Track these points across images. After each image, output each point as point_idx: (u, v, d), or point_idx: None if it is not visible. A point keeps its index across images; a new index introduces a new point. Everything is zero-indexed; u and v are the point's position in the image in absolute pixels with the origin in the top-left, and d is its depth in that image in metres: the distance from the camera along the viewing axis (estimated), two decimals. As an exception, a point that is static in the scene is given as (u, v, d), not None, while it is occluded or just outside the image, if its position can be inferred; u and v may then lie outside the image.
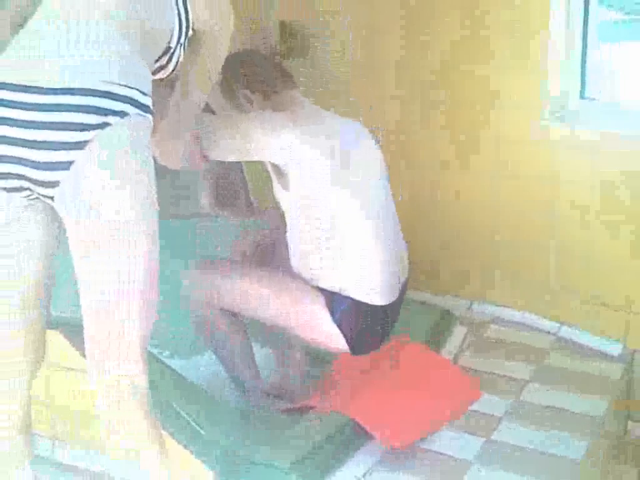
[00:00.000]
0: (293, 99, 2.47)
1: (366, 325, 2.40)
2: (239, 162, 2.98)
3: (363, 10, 3.26)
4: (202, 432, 2.24)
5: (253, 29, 3.40)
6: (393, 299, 2.42)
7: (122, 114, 1.70)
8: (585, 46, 2.90)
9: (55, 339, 2.36)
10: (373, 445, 2.30)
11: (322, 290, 2.37)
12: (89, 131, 1.67)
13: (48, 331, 2.35)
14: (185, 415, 2.27)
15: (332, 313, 2.36)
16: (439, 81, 3.15)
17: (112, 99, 1.69)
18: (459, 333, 2.94)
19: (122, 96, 1.70)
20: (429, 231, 3.12)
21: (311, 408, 2.41)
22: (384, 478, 2.21)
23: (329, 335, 2.38)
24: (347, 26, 3.29)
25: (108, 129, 1.68)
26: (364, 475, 2.21)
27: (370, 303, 2.37)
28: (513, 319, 3.10)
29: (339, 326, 2.36)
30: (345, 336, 2.37)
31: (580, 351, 2.88)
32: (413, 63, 3.18)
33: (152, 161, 1.81)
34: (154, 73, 2.00)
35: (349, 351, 2.40)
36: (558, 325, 3.01)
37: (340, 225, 2.33)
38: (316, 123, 2.37)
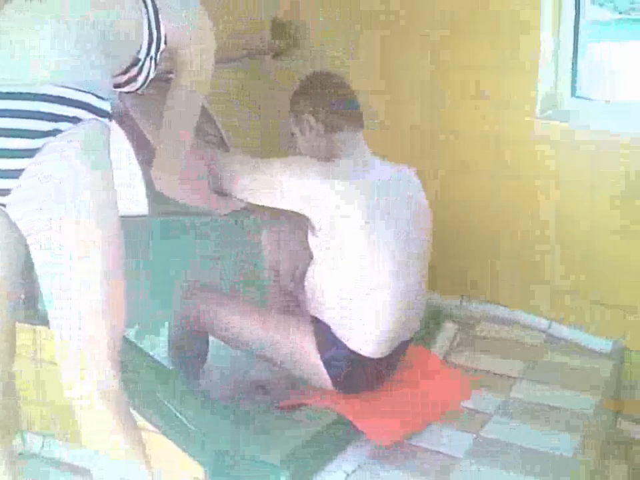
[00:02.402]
0: (351, 142, 2.42)
1: (354, 372, 2.41)
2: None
3: (359, 9, 3.28)
4: (193, 429, 2.25)
5: (252, 29, 3.42)
6: (386, 353, 2.42)
7: (75, 120, 1.66)
8: (576, 45, 2.90)
9: (45, 335, 2.38)
10: (363, 441, 2.31)
11: (316, 329, 2.40)
12: (39, 138, 1.63)
13: (43, 328, 2.37)
14: (176, 412, 2.28)
15: (321, 353, 2.38)
16: (438, 81, 3.16)
17: (64, 104, 1.65)
18: (449, 330, 2.95)
19: (75, 100, 1.66)
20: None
21: (303, 404, 2.42)
22: (373, 474, 2.22)
23: (315, 371, 2.41)
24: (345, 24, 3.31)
25: (60, 135, 1.65)
26: (354, 471, 2.22)
27: (361, 353, 2.38)
28: (503, 316, 3.12)
29: (326, 366, 2.39)
30: (330, 377, 2.40)
31: (570, 348, 2.89)
32: (412, 63, 3.20)
33: (110, 164, 1.77)
34: (124, 85, 1.98)
35: (332, 389, 2.43)
36: (548, 322, 3.02)
37: (363, 276, 2.33)
38: (357, 178, 2.33)
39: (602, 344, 2.87)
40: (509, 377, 2.69)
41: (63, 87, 1.66)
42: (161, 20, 1.95)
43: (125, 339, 2.47)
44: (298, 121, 2.46)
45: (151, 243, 3.07)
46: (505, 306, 3.14)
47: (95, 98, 1.71)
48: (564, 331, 2.97)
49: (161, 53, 2.00)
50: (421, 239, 2.48)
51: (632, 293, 2.83)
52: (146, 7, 1.92)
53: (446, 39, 3.10)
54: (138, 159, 2.87)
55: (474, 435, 2.37)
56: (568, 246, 2.96)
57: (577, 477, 2.38)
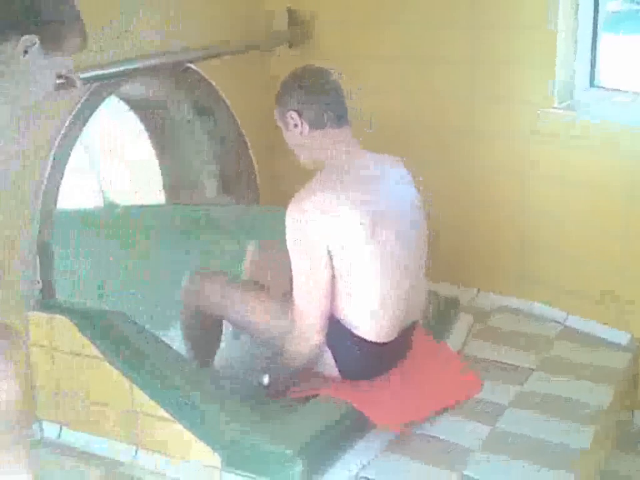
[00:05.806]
0: (336, 139, 2.41)
1: (360, 358, 2.41)
2: (247, 148, 2.96)
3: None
4: (209, 418, 2.26)
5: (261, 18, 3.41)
6: (391, 338, 2.42)
7: None
8: (595, 35, 2.89)
9: (62, 324, 2.39)
10: (379, 431, 2.31)
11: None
12: None
13: (55, 316, 2.38)
14: (193, 401, 2.29)
15: (327, 339, 2.38)
16: (442, 73, 3.15)
17: None
18: (465, 321, 2.94)
19: None
20: (435, 220, 3.12)
21: (316, 395, 2.41)
22: (389, 465, 2.22)
23: (322, 357, 2.41)
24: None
25: None
26: (369, 462, 2.22)
27: (366, 338, 2.38)
28: (519, 308, 3.11)
29: (332, 351, 2.40)
30: (336, 362, 2.41)
31: (586, 341, 2.88)
32: (418, 55, 3.18)
33: None
34: None
35: (339, 376, 2.44)
36: (565, 314, 3.00)
37: (367, 263, 2.34)
38: (345, 188, 2.33)
39: (618, 336, 2.85)
40: (524, 368, 2.69)
41: None
42: None
43: (144, 330, 2.50)
44: (283, 116, 2.45)
45: (162, 232, 3.08)
46: (521, 298, 3.12)
47: None
48: (580, 323, 2.96)
49: None
50: (418, 223, 2.50)
51: (638, 287, 2.81)
52: None
53: (453, 29, 3.08)
54: (156, 151, 2.90)
55: (489, 427, 2.36)
56: (575, 239, 2.94)
57: (591, 469, 2.38)
